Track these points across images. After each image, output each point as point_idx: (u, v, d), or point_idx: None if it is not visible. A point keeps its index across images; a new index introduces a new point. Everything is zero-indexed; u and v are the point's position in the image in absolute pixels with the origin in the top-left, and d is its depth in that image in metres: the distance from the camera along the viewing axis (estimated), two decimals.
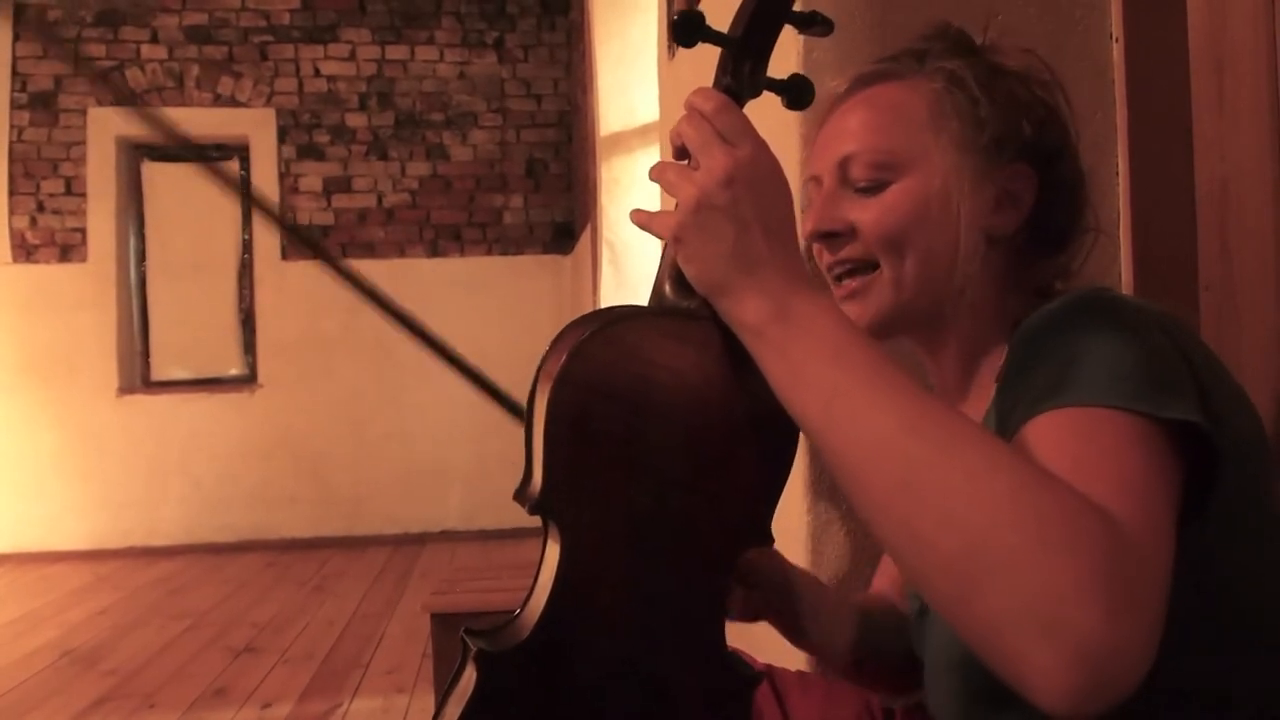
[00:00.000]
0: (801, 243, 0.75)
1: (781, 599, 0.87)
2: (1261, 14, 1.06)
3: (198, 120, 5.61)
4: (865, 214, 0.77)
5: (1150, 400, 0.57)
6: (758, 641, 0.95)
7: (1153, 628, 0.49)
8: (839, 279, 0.80)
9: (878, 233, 0.76)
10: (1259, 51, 1.06)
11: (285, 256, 5.68)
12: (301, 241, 5.62)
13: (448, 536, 5.48)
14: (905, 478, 0.53)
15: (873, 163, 0.77)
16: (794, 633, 0.90)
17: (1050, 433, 0.57)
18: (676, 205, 0.66)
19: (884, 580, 0.99)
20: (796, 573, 0.90)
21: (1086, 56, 1.24)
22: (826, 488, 1.19)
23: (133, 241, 5.71)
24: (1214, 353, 0.68)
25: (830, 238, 0.79)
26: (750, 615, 0.87)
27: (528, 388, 0.67)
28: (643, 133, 3.92)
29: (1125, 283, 1.21)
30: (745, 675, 0.74)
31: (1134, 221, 1.21)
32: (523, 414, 0.67)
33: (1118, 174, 1.24)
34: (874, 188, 0.77)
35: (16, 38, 5.47)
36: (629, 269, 3.94)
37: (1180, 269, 1.18)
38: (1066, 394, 0.58)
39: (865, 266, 0.78)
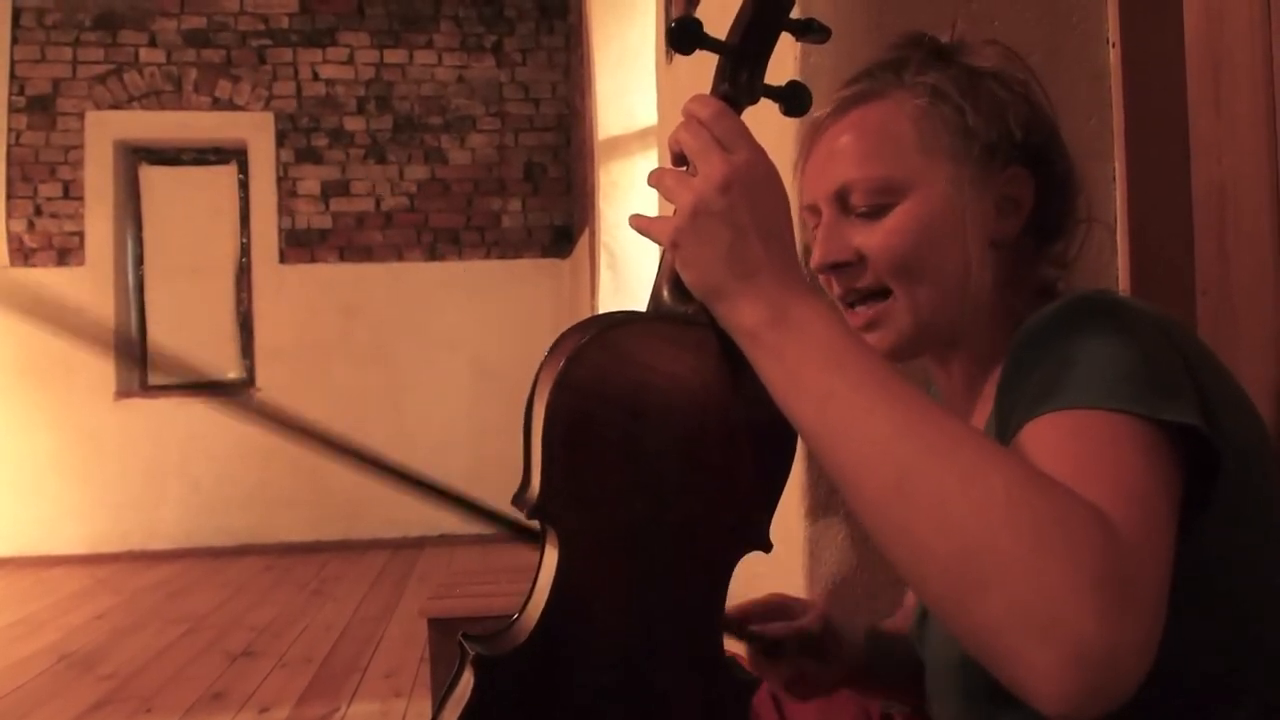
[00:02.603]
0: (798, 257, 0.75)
1: (853, 660, 0.89)
2: (1258, 17, 1.06)
3: (196, 124, 5.62)
4: (872, 239, 0.77)
5: (1148, 402, 0.57)
6: None
7: (1151, 629, 0.49)
8: (851, 306, 0.80)
9: (887, 258, 0.76)
10: (1255, 55, 1.07)
11: (283, 260, 5.68)
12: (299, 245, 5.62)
13: (446, 540, 5.47)
14: (900, 481, 0.53)
15: (872, 189, 0.76)
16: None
17: (1048, 435, 0.57)
18: (675, 211, 0.66)
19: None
20: (845, 628, 0.91)
21: (1083, 61, 1.24)
22: (823, 494, 1.19)
23: (130, 245, 5.71)
24: (1214, 354, 0.68)
25: (840, 268, 0.79)
26: (829, 689, 0.89)
27: (525, 392, 0.67)
28: (641, 136, 3.92)
29: (1123, 287, 1.21)
30: (743, 680, 0.74)
31: (1131, 225, 1.21)
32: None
33: (1115, 178, 1.24)
34: (876, 212, 0.77)
35: (15, 41, 5.47)
36: (627, 272, 3.94)
37: (1178, 273, 1.18)
38: (1064, 396, 0.58)
39: (877, 294, 0.78)
